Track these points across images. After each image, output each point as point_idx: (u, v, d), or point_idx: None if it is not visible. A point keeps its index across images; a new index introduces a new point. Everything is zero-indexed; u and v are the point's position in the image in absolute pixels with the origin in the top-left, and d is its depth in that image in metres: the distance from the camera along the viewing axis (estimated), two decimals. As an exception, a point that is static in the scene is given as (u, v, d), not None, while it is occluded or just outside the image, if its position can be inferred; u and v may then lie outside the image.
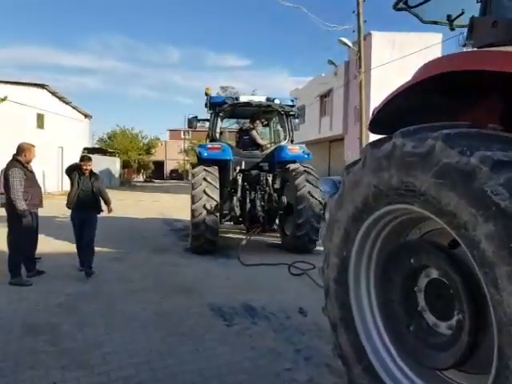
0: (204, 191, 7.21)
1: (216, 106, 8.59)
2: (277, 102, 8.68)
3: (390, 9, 2.90)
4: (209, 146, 8.11)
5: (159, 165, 60.16)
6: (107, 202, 6.34)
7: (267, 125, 10.17)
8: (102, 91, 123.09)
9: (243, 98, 8.78)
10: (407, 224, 2.40)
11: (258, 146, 8.88)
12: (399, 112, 2.45)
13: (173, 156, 60.75)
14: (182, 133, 60.74)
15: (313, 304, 4.78)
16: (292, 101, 9.22)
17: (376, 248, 2.51)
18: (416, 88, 2.21)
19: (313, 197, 7.50)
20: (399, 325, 2.39)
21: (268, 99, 8.69)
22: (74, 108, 27.51)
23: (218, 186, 7.40)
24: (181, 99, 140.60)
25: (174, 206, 16.94)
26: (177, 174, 60.02)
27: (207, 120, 9.45)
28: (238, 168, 8.24)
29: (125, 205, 17.50)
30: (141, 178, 52.84)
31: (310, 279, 5.79)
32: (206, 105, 8.99)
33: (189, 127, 9.72)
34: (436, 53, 26.08)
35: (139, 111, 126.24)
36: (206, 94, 8.55)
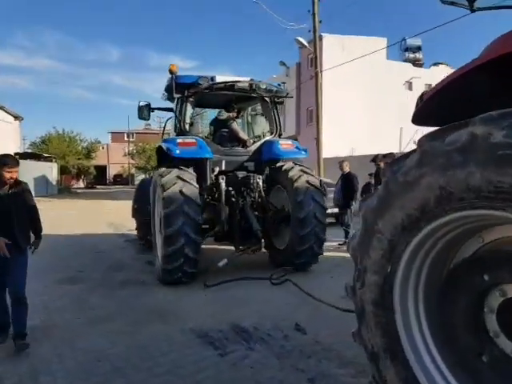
0: (181, 192, 5.36)
1: (185, 89, 6.54)
2: (263, 86, 6.90)
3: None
4: (179, 140, 6.14)
5: (101, 169, 57.04)
6: (37, 231, 3.99)
7: (253, 115, 8.37)
8: (34, 92, 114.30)
9: (220, 79, 6.76)
10: (467, 233, 1.97)
11: (240, 142, 7.07)
12: (452, 101, 2.03)
13: (116, 160, 57.86)
14: (125, 135, 58.18)
15: (307, 317, 4.35)
16: (279, 85, 7.29)
17: (427, 262, 2.06)
18: (481, 70, 1.78)
19: (317, 202, 6.16)
20: (465, 354, 1.96)
21: (252, 82, 6.82)
22: (0, 108, 25.06)
23: (198, 187, 5.69)
24: (122, 101, 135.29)
25: (124, 213, 15.72)
26: (121, 179, 57.21)
27: (166, 109, 7.85)
28: (217, 169, 6.56)
29: (68, 215, 16.15)
30: (81, 184, 49.89)
31: (294, 288, 5.32)
32: (167, 88, 6.98)
33: (140, 117, 7.78)
34: (382, 56, 27.08)
35: (77, 113, 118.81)
36: (171, 73, 6.35)
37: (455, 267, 2.03)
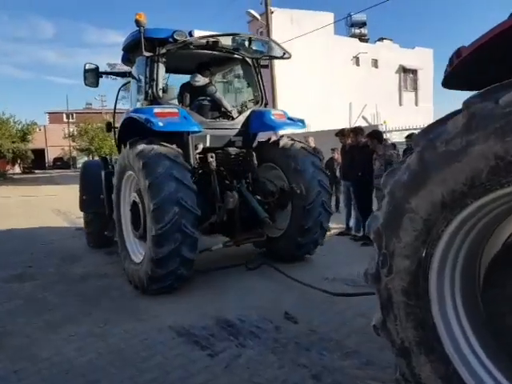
0: (172, 175, 4.29)
1: (157, 45, 5.22)
2: (252, 44, 5.68)
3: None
4: (156, 110, 4.84)
5: (39, 153, 53.21)
6: None
7: (231, 80, 7.02)
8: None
9: (199, 34, 5.48)
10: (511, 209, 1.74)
11: (224, 113, 5.93)
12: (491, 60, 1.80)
13: (55, 142, 54.03)
14: (64, 116, 54.47)
15: (294, 304, 4.08)
16: (263, 45, 5.93)
17: (466, 244, 1.80)
18: None
19: (323, 187, 5.35)
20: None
21: (236, 34, 5.54)
22: None
23: (189, 167, 4.68)
24: (59, 79, 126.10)
25: (69, 198, 14.61)
26: (62, 163, 53.56)
27: (118, 74, 6.70)
28: (201, 146, 5.35)
29: (5, 204, 14.81)
30: (17, 169, 46.32)
31: (274, 273, 4.99)
32: (129, 46, 5.54)
33: (86, 83, 6.19)
34: (329, 32, 27.01)
35: (9, 93, 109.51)
36: (138, 24, 4.96)
37: (504, 247, 1.80)
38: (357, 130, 7.21)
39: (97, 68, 6.20)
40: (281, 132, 6.35)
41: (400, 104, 32.70)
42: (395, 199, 1.86)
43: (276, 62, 16.88)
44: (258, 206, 5.22)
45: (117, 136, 6.01)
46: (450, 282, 1.87)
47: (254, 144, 5.92)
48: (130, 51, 5.71)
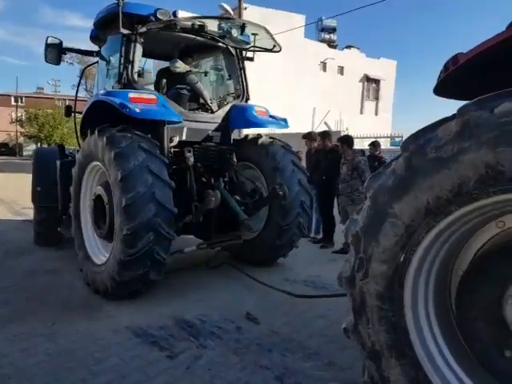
0: (148, 168, 3.91)
1: (136, 23, 4.70)
2: (234, 33, 5.21)
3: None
4: (132, 94, 4.37)
5: (-18, 138, 50.14)
6: None
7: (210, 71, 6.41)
8: None
9: (183, 16, 4.92)
10: (489, 218, 1.78)
11: (203, 105, 5.47)
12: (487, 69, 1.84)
13: (2, 127, 51.01)
14: (12, 99, 51.31)
15: (255, 304, 4.04)
16: (249, 37, 5.44)
17: (442, 251, 1.84)
18: None
19: (303, 187, 5.17)
20: (485, 351, 1.78)
21: (222, 25, 5.14)
22: None
23: (166, 161, 4.23)
24: (8, 59, 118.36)
25: (14, 187, 13.71)
26: (6, 149, 50.05)
27: (84, 52, 6.06)
28: (177, 139, 4.87)
29: None
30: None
31: (234, 273, 4.90)
32: (103, 21, 5.03)
33: (47, 60, 5.55)
34: (299, 34, 27.26)
35: None
36: None
37: (477, 255, 1.83)
38: (325, 134, 7.30)
39: (60, 43, 5.60)
40: (258, 130, 5.98)
41: (361, 112, 33.63)
42: (378, 204, 1.85)
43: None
44: (237, 206, 4.93)
45: (80, 121, 5.47)
46: (424, 287, 1.89)
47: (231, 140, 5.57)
48: (103, 28, 5.17)
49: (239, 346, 3.19)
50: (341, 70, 32.63)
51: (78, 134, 5.72)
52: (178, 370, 2.85)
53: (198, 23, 4.84)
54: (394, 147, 16.70)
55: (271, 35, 5.40)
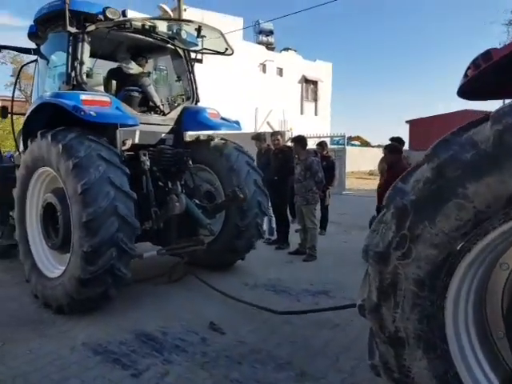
0: (109, 180, 3.73)
1: (83, 21, 4.54)
2: (184, 35, 5.13)
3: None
4: (84, 96, 4.18)
5: None
6: None
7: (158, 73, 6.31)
8: None
9: (133, 15, 4.81)
10: None
11: (153, 107, 5.41)
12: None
13: None
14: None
15: (217, 313, 3.98)
16: (197, 38, 5.31)
17: (501, 245, 1.66)
18: None
19: (259, 187, 5.17)
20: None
21: (171, 25, 5.05)
22: None
23: (127, 170, 4.01)
24: None
25: None
26: None
27: (20, 50, 5.68)
28: (130, 142, 4.73)
29: None
30: None
31: (191, 281, 4.76)
32: (44, 18, 4.77)
33: None
34: (238, 37, 27.28)
35: None
36: None
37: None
38: (276, 134, 7.33)
39: None
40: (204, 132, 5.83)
41: (301, 113, 34.46)
42: (443, 178, 1.56)
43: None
44: (198, 211, 4.84)
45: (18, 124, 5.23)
46: (470, 281, 1.73)
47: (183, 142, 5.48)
48: (44, 25, 4.90)
49: (206, 359, 3.12)
50: (280, 71, 33.25)
51: (17, 135, 5.41)
52: (144, 389, 2.74)
53: (149, 23, 4.71)
54: (334, 146, 17.28)
55: (225, 38, 5.38)
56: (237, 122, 5.59)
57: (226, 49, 5.53)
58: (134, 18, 4.78)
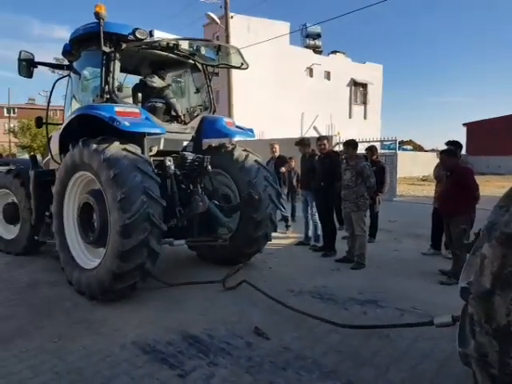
0: (144, 189, 4.18)
1: (115, 41, 5.02)
2: (203, 51, 5.70)
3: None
4: (118, 108, 4.69)
5: (-24, 149, 49.49)
6: None
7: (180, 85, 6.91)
8: None
9: (160, 35, 5.30)
10: None
11: (175, 117, 5.92)
12: None
13: (-5, 138, 50.48)
14: (5, 110, 50.99)
15: (262, 317, 3.97)
16: (216, 54, 5.95)
17: None
18: None
19: (269, 182, 5.63)
20: None
21: (191, 43, 5.56)
22: None
23: (158, 179, 4.49)
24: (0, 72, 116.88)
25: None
26: (0, 159, 49.97)
27: (55, 66, 6.39)
28: (155, 148, 5.30)
29: None
30: (-48, 166, 42.44)
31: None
32: (79, 38, 5.22)
33: (20, 73, 5.74)
34: (285, 41, 27.41)
35: None
36: (98, 16, 4.73)
37: None
38: (322, 139, 7.20)
39: (32, 58, 5.78)
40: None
41: (350, 116, 33.87)
42: None
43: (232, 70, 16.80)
44: (217, 210, 5.26)
45: (56, 133, 5.70)
46: None
47: (203, 149, 5.93)
48: (78, 43, 5.37)
49: (251, 363, 3.12)
50: (327, 75, 32.89)
51: (52, 145, 5.87)
52: (189, 389, 2.78)
53: (173, 42, 5.24)
54: (385, 151, 16.74)
55: (241, 54, 5.91)
56: (251, 130, 6.12)
57: (242, 63, 6.02)
58: (160, 38, 5.24)
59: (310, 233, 7.50)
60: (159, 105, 5.65)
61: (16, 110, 50.96)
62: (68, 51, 5.68)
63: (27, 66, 5.75)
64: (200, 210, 4.95)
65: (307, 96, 29.60)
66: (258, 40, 18.60)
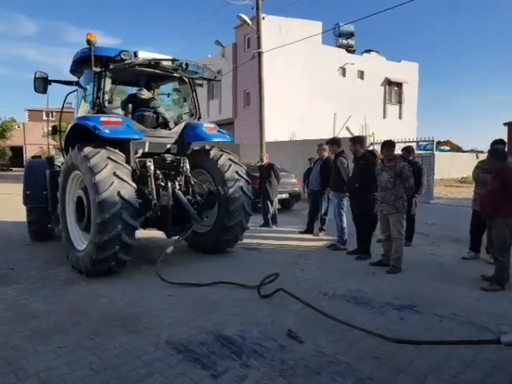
0: (115, 174, 5.11)
1: (105, 62, 5.91)
2: (188, 66, 6.47)
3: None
4: (102, 118, 5.53)
5: (17, 151, 52.04)
6: None
7: (169, 95, 7.93)
8: None
9: (143, 55, 6.10)
10: None
11: (163, 123, 6.70)
12: None
13: (34, 140, 52.43)
14: (44, 114, 53.22)
15: (295, 320, 3.93)
16: (199, 67, 6.79)
17: None
18: None
19: (244, 193, 6.46)
20: None
21: (177, 61, 6.37)
22: None
23: (134, 185, 5.36)
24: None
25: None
26: (40, 161, 52.33)
27: (65, 82, 7.05)
28: (140, 151, 6.20)
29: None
30: (-5, 166, 45.20)
31: (268, 284, 4.75)
32: (79, 60, 6.19)
33: (36, 90, 6.69)
34: (317, 41, 27.12)
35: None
36: (89, 43, 5.65)
37: None
38: (357, 139, 7.05)
39: (46, 77, 6.73)
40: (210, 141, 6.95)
41: (384, 116, 33.12)
42: None
43: (264, 69, 16.78)
44: (187, 204, 5.98)
45: (63, 139, 6.56)
46: None
47: (188, 151, 6.82)
48: (79, 64, 6.35)
49: (284, 366, 3.07)
50: (361, 74, 32.24)
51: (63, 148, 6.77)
52: (223, 392, 2.77)
53: (153, 62, 6.12)
54: (421, 151, 16.26)
55: (211, 69, 6.98)
56: (229, 134, 7.01)
57: (215, 77, 7.12)
58: (140, 59, 6.02)
59: (338, 234, 7.37)
60: (147, 113, 6.51)
61: (54, 114, 53.04)
62: (74, 69, 6.68)
63: (42, 83, 6.72)
64: (164, 203, 5.75)
65: (340, 96, 29.14)
66: (290, 40, 18.45)
